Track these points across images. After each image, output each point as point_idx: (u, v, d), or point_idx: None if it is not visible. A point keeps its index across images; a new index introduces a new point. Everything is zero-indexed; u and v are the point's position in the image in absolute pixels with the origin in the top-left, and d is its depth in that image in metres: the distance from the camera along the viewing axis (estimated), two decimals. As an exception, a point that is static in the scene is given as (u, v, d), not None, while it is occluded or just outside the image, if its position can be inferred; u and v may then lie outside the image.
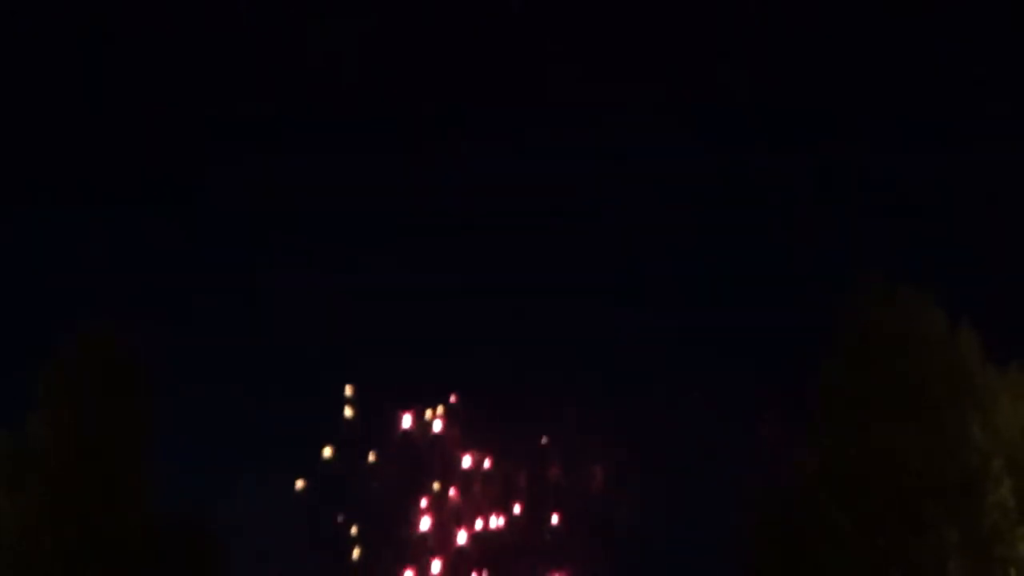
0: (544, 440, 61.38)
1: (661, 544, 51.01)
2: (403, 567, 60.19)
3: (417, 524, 60.99)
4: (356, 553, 60.04)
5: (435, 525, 61.35)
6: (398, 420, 63.40)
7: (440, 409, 63.45)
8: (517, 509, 61.09)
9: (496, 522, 61.36)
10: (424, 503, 61.15)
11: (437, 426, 63.30)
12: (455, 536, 61.36)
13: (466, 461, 62.72)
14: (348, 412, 62.45)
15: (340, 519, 59.84)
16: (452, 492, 62.38)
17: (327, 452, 61.51)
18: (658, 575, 51.03)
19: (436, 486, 62.21)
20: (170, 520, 30.02)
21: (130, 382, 30.20)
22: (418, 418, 63.42)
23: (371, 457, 62.41)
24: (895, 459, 28.12)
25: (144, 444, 30.12)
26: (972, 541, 27.96)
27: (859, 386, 29.01)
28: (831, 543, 28.24)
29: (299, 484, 59.97)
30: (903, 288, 29.64)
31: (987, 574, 27.98)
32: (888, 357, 28.87)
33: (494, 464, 62.80)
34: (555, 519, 60.99)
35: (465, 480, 62.71)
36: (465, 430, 63.35)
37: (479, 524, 61.80)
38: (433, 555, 60.69)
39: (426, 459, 63.36)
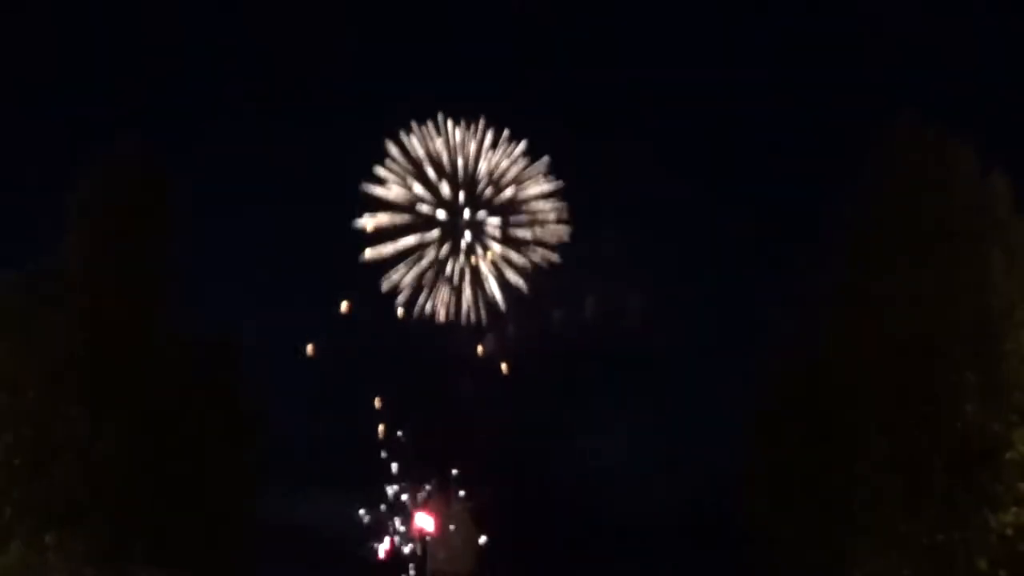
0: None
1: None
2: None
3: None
4: (381, 429, 55.76)
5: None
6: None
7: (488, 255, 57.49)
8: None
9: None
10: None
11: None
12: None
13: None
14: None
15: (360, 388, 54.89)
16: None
17: (344, 307, 54.72)
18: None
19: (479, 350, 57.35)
20: (200, 339, 30.48)
21: (158, 202, 30.48)
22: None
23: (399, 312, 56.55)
24: (915, 293, 27.96)
25: (173, 262, 30.52)
26: (990, 385, 27.89)
27: (886, 220, 28.81)
28: (854, 372, 28.32)
29: (309, 349, 53.78)
30: (935, 128, 29.24)
31: (1003, 419, 27.95)
32: (913, 192, 28.63)
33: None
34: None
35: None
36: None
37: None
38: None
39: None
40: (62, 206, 30.04)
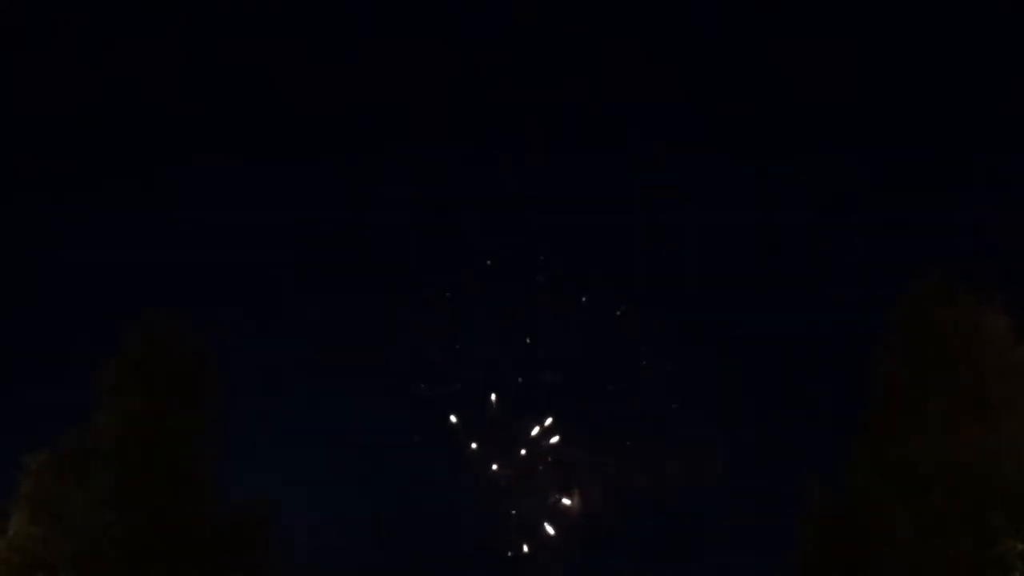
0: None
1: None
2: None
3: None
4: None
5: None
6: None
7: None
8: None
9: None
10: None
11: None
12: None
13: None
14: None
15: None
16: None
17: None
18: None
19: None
20: (234, 511, 30.39)
21: (194, 374, 30.57)
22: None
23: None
24: (958, 462, 27.66)
25: (209, 435, 30.51)
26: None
27: (919, 386, 28.57)
28: (890, 545, 27.92)
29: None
30: (964, 287, 29.17)
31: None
32: (948, 358, 28.41)
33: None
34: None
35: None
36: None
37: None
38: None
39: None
40: (93, 381, 30.26)
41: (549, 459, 56.67)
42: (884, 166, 55.09)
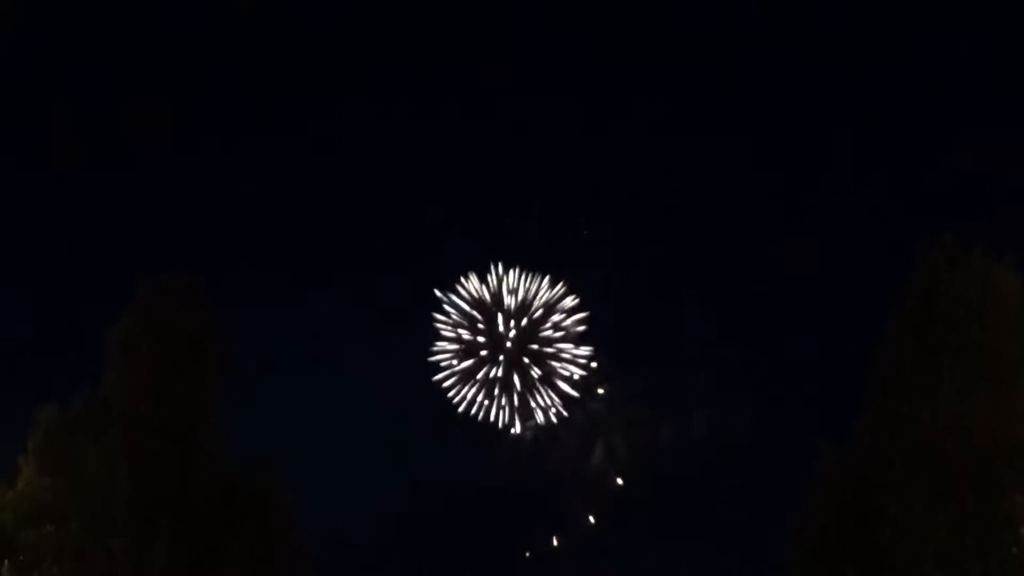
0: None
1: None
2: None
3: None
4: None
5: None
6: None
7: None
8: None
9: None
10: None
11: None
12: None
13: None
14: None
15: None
16: None
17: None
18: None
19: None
20: (240, 471, 30.30)
21: (205, 336, 30.49)
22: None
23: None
24: (967, 422, 27.64)
25: (215, 395, 30.41)
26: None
27: (929, 347, 28.56)
28: (901, 506, 27.85)
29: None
30: (976, 250, 29.18)
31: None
32: (959, 318, 28.39)
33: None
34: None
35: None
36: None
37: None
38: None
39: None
40: (104, 337, 30.13)
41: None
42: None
